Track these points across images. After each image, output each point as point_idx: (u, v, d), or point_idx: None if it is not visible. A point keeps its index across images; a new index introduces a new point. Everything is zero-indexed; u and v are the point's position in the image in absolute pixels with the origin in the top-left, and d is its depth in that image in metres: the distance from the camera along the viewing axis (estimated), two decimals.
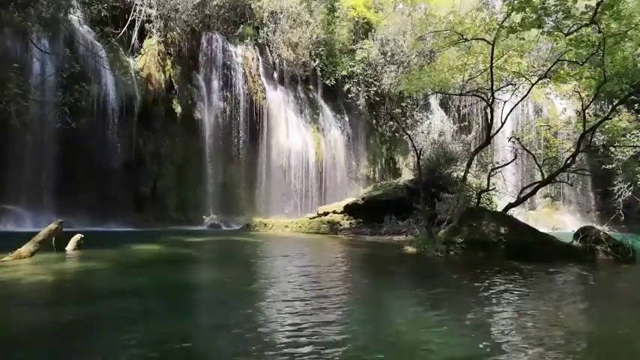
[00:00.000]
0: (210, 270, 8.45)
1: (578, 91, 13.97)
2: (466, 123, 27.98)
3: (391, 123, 26.89)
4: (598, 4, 9.63)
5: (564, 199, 26.85)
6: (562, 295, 6.33)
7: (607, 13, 9.65)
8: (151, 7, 19.86)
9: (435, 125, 26.98)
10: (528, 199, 17.27)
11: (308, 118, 24.86)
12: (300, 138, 23.92)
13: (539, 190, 14.82)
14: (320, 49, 25.03)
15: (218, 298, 5.87)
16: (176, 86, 20.36)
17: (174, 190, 19.91)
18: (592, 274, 8.52)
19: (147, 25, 19.83)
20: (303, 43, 23.96)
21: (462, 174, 13.52)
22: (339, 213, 17.82)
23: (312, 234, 16.34)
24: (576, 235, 10.77)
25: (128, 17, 19.08)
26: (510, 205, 12.12)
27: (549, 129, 24.40)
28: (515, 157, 14.50)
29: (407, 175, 23.75)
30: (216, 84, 21.68)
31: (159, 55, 19.99)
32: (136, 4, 19.23)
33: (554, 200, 27.12)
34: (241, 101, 22.07)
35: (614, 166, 20.40)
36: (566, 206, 26.65)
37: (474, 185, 16.35)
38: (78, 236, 9.18)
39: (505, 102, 13.18)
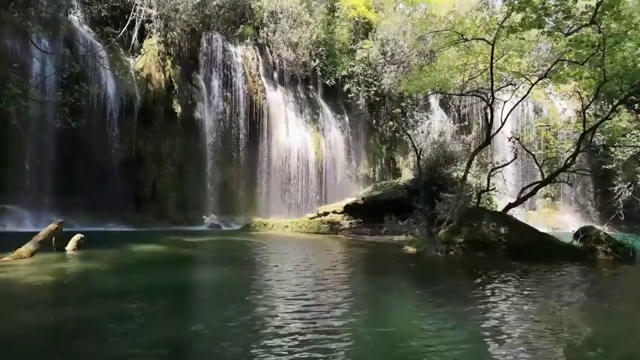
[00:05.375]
0: (210, 270, 8.45)
1: (578, 91, 13.99)
2: (466, 123, 27.97)
3: (391, 123, 26.88)
4: (598, 4, 9.63)
5: (564, 199, 26.83)
6: (563, 295, 6.33)
7: (607, 13, 9.65)
8: (151, 7, 19.85)
9: (435, 125, 26.95)
10: (528, 199, 17.26)
11: (308, 118, 24.84)
12: (300, 138, 23.90)
13: (539, 190, 14.82)
14: (320, 49, 25.02)
15: (218, 298, 5.87)
16: (176, 86, 20.35)
17: (174, 190, 19.89)
18: (592, 274, 8.53)
19: (147, 25, 19.82)
20: (303, 43, 23.96)
21: (462, 174, 13.52)
22: (339, 213, 17.81)
23: (312, 234, 16.34)
24: (576, 235, 10.77)
25: (128, 17, 19.06)
26: (510, 205, 12.13)
27: (549, 129, 24.40)
28: (515, 157, 14.50)
29: (407, 175, 23.74)
30: (216, 84, 21.66)
31: (159, 55, 19.98)
32: (136, 4, 19.21)
33: (554, 200, 27.10)
34: (241, 101, 22.05)
35: (614, 166, 20.41)
36: (566, 206, 26.63)
37: (473, 185, 16.34)
38: (78, 236, 9.18)
39: (505, 102, 13.18)
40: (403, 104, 26.94)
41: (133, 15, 19.14)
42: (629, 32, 10.40)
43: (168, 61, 20.36)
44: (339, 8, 26.60)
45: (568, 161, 12.50)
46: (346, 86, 25.90)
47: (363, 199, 17.92)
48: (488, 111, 13.09)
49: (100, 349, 3.64)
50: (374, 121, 27.39)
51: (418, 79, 16.21)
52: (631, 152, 18.94)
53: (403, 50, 26.01)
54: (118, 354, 3.52)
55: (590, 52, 10.50)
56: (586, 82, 12.57)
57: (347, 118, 26.49)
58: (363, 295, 6.19)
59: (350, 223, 16.97)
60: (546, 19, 10.59)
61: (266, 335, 4.01)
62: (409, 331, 4.32)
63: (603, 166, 20.62)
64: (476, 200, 13.20)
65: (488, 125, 13.42)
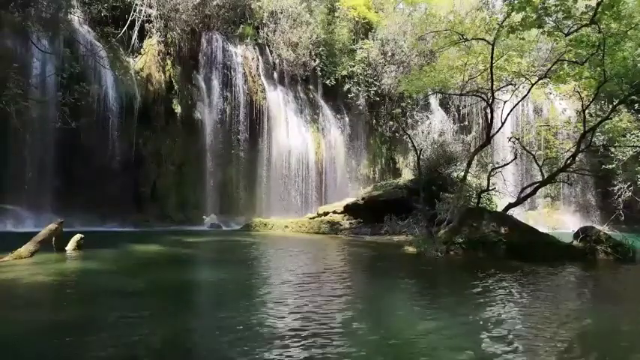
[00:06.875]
0: (210, 270, 8.45)
1: (578, 91, 13.96)
2: (466, 123, 27.98)
3: (391, 123, 26.88)
4: (598, 4, 9.63)
5: (564, 199, 26.83)
6: (563, 295, 6.33)
7: (607, 13, 9.64)
8: (151, 7, 19.84)
9: (435, 125, 26.99)
10: (528, 199, 17.25)
11: (308, 118, 24.84)
12: (300, 138, 23.90)
13: (539, 190, 14.81)
14: (320, 49, 25.02)
15: (218, 298, 5.87)
16: (176, 86, 20.34)
17: (174, 190, 19.88)
18: (592, 274, 8.53)
19: (147, 25, 19.80)
20: (303, 43, 23.95)
21: (462, 174, 13.51)
22: (339, 213, 17.80)
23: (312, 234, 16.33)
24: (576, 235, 10.77)
25: (128, 17, 19.05)
26: (510, 205, 12.12)
27: (549, 129, 24.40)
28: (515, 157, 14.50)
29: (407, 175, 23.73)
30: (216, 84, 21.66)
31: (159, 55, 19.97)
32: (136, 4, 19.21)
33: (554, 200, 27.10)
34: (241, 101, 22.05)
35: (614, 166, 20.39)
36: (566, 206, 26.63)
37: (473, 185, 16.33)
38: (78, 236, 9.17)
39: (505, 102, 13.17)
40: (403, 104, 26.95)
41: (133, 15, 19.14)
42: (629, 32, 10.39)
43: (168, 61, 20.35)
44: (339, 8, 26.60)
45: (568, 161, 12.48)
46: (346, 86, 25.90)
47: (363, 199, 17.91)
48: (488, 111, 13.07)
49: (100, 350, 3.63)
50: (374, 121, 27.39)
51: (418, 79, 16.21)
52: (631, 152, 18.91)
53: (403, 50, 26.02)
54: (118, 354, 3.52)
55: (590, 52, 10.49)
56: (586, 82, 12.55)
57: (347, 118, 26.49)
58: (363, 296, 6.19)
59: (350, 223, 16.96)
60: (546, 19, 10.58)
61: (265, 335, 4.01)
62: (409, 331, 4.32)
63: (603, 166, 20.61)
64: (476, 200, 13.18)
65: (488, 125, 13.42)
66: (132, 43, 19.48)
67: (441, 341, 3.99)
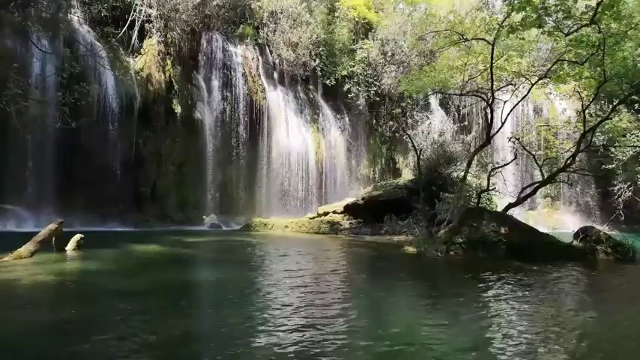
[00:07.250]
0: (210, 270, 8.45)
1: (578, 91, 13.96)
2: (466, 123, 27.98)
3: (391, 123, 26.88)
4: (598, 4, 9.63)
5: (564, 199, 26.83)
6: (563, 296, 6.33)
7: (607, 13, 9.64)
8: (151, 7, 19.84)
9: (435, 125, 26.99)
10: (528, 199, 17.24)
11: (308, 118, 24.84)
12: (300, 138, 23.89)
13: (539, 190, 14.82)
14: (320, 49, 25.01)
15: (218, 299, 5.87)
16: (176, 86, 20.34)
17: (174, 190, 19.88)
18: (592, 274, 8.53)
19: (147, 25, 19.79)
20: (303, 43, 23.94)
21: (462, 174, 13.51)
22: (339, 213, 17.80)
23: (312, 234, 16.33)
24: (576, 235, 10.78)
25: (128, 17, 19.04)
26: (510, 205, 12.12)
27: (549, 129, 24.41)
28: (515, 157, 14.50)
29: (407, 175, 23.73)
30: (216, 84, 21.65)
31: (159, 55, 19.96)
32: (136, 4, 19.20)
33: (554, 200, 27.09)
34: (241, 101, 22.05)
35: (614, 166, 20.39)
36: (566, 206, 26.62)
37: (473, 185, 16.34)
38: (78, 236, 9.17)
39: (505, 102, 13.17)
40: (403, 104, 26.94)
41: (133, 15, 19.12)
42: (629, 32, 10.39)
43: (168, 61, 20.34)
44: (339, 8, 26.59)
45: (568, 161, 12.49)
46: (346, 86, 25.89)
47: (363, 199, 17.91)
48: (488, 111, 13.08)
49: (100, 350, 3.64)
50: (374, 121, 27.39)
51: (418, 79, 16.21)
52: (631, 152, 18.91)
53: (403, 50, 26.01)
54: (118, 354, 3.52)
55: (590, 52, 10.49)
56: (586, 82, 12.55)
57: (347, 118, 26.48)
58: (363, 296, 6.19)
59: (350, 223, 16.96)
60: (546, 18, 10.58)
61: (266, 336, 4.01)
62: (409, 332, 4.32)
63: (603, 166, 20.60)
64: (476, 200, 13.19)
65: (488, 125, 13.42)
66: (132, 43, 19.46)
67: (444, 344, 3.99)
